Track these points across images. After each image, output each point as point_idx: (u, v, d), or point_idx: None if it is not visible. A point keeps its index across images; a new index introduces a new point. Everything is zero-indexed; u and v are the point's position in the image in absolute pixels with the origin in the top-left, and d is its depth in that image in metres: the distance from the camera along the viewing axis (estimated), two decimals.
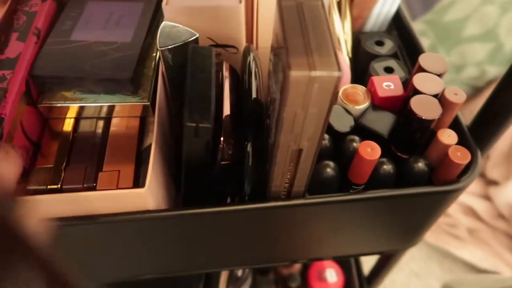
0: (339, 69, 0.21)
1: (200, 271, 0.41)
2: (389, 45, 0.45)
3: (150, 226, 0.32)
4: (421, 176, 0.33)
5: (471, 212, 1.04)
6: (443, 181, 0.33)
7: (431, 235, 1.03)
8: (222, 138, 0.29)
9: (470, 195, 1.05)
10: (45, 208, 0.29)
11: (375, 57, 0.43)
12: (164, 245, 0.36)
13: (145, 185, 0.28)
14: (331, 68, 0.21)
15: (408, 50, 0.46)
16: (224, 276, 0.63)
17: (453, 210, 1.04)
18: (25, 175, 0.34)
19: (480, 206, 1.03)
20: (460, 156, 0.31)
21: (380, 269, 0.64)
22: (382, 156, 0.33)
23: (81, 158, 0.35)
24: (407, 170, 0.34)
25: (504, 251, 0.98)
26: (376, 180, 0.34)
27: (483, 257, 0.98)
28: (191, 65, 0.30)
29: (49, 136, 0.38)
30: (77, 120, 0.38)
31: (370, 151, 0.30)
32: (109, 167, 0.35)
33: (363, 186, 0.34)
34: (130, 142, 0.37)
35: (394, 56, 0.44)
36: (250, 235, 0.36)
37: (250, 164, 0.30)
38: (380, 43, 0.45)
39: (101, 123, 0.38)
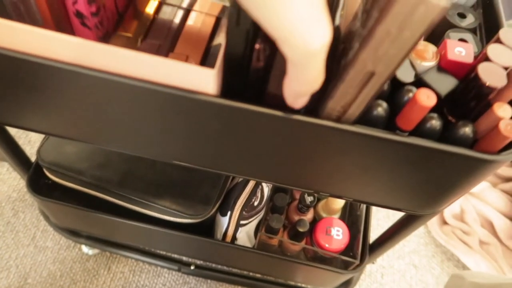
0: (447, 2, 0.22)
1: (226, 172, 0.44)
2: (470, 20, 0.44)
3: (207, 110, 0.34)
4: (464, 141, 0.34)
5: (489, 226, 1.04)
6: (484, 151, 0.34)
7: (442, 236, 1.04)
8: (260, 40, 0.30)
9: (495, 210, 1.04)
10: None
11: (454, 27, 0.43)
12: (201, 135, 0.38)
13: (215, 67, 0.30)
14: None
15: (489, 31, 0.45)
16: (242, 200, 0.66)
17: (472, 219, 1.03)
18: (107, 38, 0.37)
19: (501, 223, 1.02)
20: (510, 130, 0.32)
21: (385, 241, 0.66)
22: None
23: (157, 37, 0.38)
24: (452, 132, 0.35)
25: (509, 271, 0.97)
26: (421, 132, 0.35)
27: (486, 270, 0.98)
28: None
29: (132, 12, 0.41)
30: (161, 4, 0.41)
31: (427, 98, 0.31)
32: (180, 50, 0.37)
33: (407, 134, 0.35)
34: (202, 36, 0.39)
35: (472, 31, 0.44)
36: (283, 150, 0.38)
37: None
38: (462, 16, 0.45)
39: (180, 13, 0.40)
